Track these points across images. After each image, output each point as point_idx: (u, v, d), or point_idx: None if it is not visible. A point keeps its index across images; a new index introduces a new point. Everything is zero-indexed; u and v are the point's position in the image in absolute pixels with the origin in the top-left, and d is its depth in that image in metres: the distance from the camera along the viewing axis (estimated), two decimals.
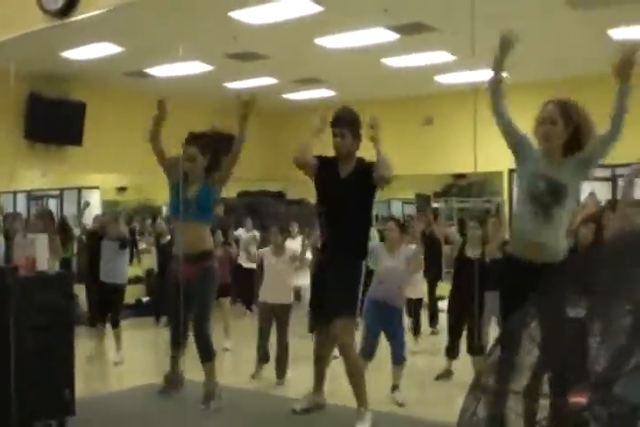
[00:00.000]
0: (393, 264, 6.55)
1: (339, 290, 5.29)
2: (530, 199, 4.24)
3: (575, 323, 2.71)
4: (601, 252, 3.28)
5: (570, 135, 4.21)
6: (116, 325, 8.69)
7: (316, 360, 5.78)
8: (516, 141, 4.37)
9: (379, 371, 6.54)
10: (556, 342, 2.72)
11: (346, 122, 5.37)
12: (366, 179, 5.31)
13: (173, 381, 6.09)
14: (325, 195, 5.52)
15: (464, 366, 7.08)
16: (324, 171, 5.47)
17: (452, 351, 7.35)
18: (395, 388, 6.62)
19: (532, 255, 4.19)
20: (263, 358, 7.55)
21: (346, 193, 5.34)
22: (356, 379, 5.35)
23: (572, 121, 4.20)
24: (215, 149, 5.97)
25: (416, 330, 9.14)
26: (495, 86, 4.42)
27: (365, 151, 5.51)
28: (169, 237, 11.05)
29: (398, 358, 6.61)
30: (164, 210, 14.61)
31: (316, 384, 5.81)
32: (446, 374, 7.46)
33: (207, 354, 5.78)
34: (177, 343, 6.00)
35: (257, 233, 12.19)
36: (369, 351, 6.40)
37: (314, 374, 5.81)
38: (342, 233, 5.36)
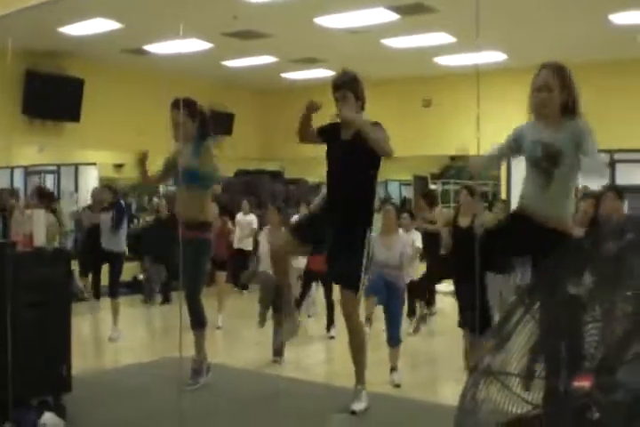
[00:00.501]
0: (387, 256, 6.53)
1: (345, 262, 5.22)
2: (531, 165, 4.30)
3: (576, 303, 2.70)
4: (601, 235, 3.27)
5: (565, 100, 4.20)
6: (114, 294, 8.69)
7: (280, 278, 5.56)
8: (511, 147, 4.46)
9: (375, 353, 6.55)
10: (557, 324, 2.72)
11: (346, 83, 5.21)
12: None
13: None
14: (328, 159, 5.38)
15: (456, 347, 7.11)
16: (327, 134, 5.29)
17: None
18: (393, 369, 6.64)
19: (537, 219, 4.24)
20: (261, 320, 7.60)
21: (346, 156, 5.10)
22: (357, 350, 5.30)
23: (567, 85, 4.20)
24: (204, 119, 5.89)
25: (412, 311, 9.15)
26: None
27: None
28: (167, 213, 11.07)
29: (395, 340, 6.62)
30: (161, 187, 14.61)
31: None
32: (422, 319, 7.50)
33: (198, 320, 5.78)
34: None
35: (254, 217, 12.01)
36: (368, 293, 6.35)
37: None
38: (346, 199, 5.18)
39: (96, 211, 9.20)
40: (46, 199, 8.37)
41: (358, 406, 5.14)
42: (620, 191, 6.20)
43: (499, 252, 4.37)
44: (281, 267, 5.51)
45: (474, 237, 6.91)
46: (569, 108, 4.20)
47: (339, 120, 5.27)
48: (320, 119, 5.37)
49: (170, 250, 9.08)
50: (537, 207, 4.26)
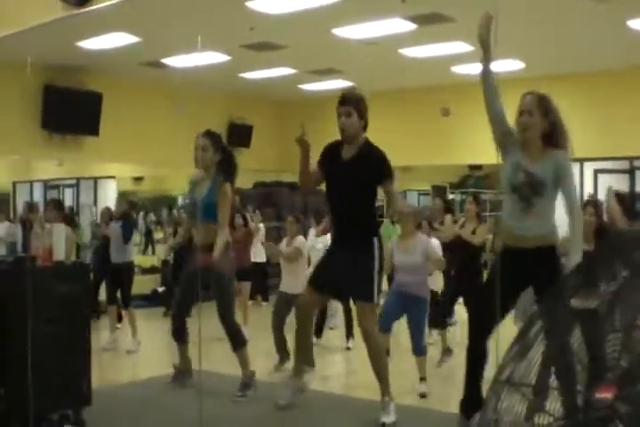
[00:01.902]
0: (407, 258, 6.51)
1: (356, 275, 5.20)
2: (511, 190, 4.36)
3: (587, 315, 2.67)
4: (617, 244, 3.24)
5: (547, 128, 4.31)
6: (126, 305, 8.71)
7: (300, 338, 5.51)
8: (501, 133, 4.45)
9: (399, 364, 6.53)
10: (565, 336, 2.69)
11: (352, 101, 5.27)
12: (370, 163, 5.16)
13: (183, 370, 6.10)
14: (329, 180, 5.42)
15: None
16: (327, 159, 5.38)
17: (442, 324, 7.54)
18: (422, 379, 6.62)
19: (519, 244, 4.34)
20: (283, 356, 7.58)
21: (348, 175, 5.17)
22: (377, 364, 5.26)
23: (549, 114, 4.31)
24: (227, 156, 5.92)
25: (433, 322, 9.08)
26: (486, 78, 4.41)
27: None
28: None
29: (420, 349, 6.59)
30: (180, 200, 14.66)
31: (297, 368, 5.60)
32: (446, 353, 7.57)
33: (237, 342, 5.80)
34: (180, 333, 6.00)
35: (261, 225, 11.86)
36: (386, 327, 6.38)
37: (295, 353, 5.59)
38: (349, 217, 5.22)
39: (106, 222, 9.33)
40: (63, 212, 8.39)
41: (389, 418, 5.07)
42: (622, 196, 6.18)
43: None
44: (305, 327, 5.51)
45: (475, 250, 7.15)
46: (551, 139, 4.33)
47: (341, 134, 5.32)
48: (323, 130, 5.39)
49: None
50: (518, 233, 4.34)
